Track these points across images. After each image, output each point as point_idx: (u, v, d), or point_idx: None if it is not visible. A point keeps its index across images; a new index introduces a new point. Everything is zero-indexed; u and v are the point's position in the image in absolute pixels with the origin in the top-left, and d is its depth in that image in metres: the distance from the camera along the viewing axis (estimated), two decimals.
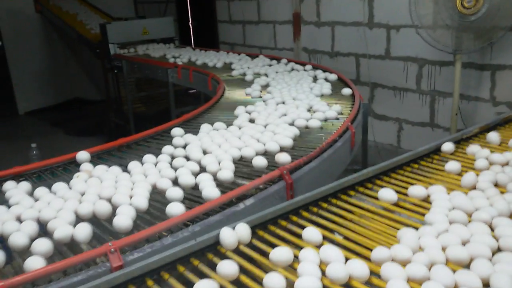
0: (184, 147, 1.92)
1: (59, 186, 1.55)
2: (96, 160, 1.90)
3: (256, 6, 5.74)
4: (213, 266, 1.06)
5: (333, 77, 3.07)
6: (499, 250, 1.05)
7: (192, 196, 1.51)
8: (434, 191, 1.36)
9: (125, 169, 1.73)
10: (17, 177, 1.73)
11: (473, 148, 1.66)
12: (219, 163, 1.67)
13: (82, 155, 1.85)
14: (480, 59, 3.55)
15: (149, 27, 5.37)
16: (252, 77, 3.25)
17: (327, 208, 1.35)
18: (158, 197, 1.52)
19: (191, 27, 7.39)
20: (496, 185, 1.39)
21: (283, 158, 1.70)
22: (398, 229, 1.17)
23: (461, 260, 1.01)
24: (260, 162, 1.69)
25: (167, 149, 1.88)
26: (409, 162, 1.62)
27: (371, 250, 1.07)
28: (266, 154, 1.81)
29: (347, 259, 1.04)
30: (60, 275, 1.09)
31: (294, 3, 5.07)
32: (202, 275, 1.04)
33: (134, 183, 1.55)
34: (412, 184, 1.44)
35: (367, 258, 1.06)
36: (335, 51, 4.80)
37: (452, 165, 1.53)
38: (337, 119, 2.20)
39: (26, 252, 1.20)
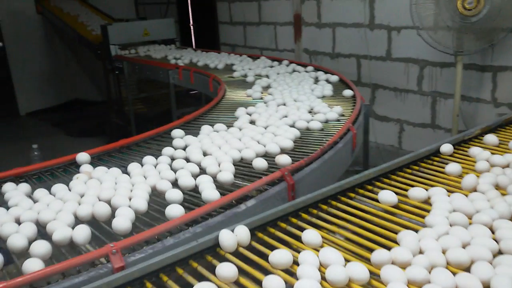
0: (185, 148, 1.92)
1: (58, 187, 1.55)
2: (96, 161, 1.90)
3: (257, 7, 5.74)
4: (212, 268, 1.05)
5: (334, 78, 3.07)
6: (500, 252, 1.05)
7: (192, 198, 1.50)
8: (434, 193, 1.35)
9: (125, 170, 1.72)
10: (17, 179, 1.73)
11: (474, 150, 1.66)
12: (219, 165, 1.67)
13: (82, 156, 1.85)
14: (481, 60, 3.55)
15: (150, 29, 5.37)
16: (253, 79, 3.25)
17: (327, 210, 1.34)
18: (157, 199, 1.52)
19: (192, 28, 7.39)
20: (497, 187, 1.38)
21: (284, 160, 1.70)
22: (398, 231, 1.16)
23: (461, 263, 1.00)
24: (260, 164, 1.68)
25: (167, 150, 1.88)
26: (410, 163, 1.62)
27: (371, 252, 1.06)
28: (266, 155, 1.80)
29: (346, 262, 1.03)
30: (59, 276, 1.09)
31: (295, 5, 5.07)
32: (201, 278, 1.04)
33: (134, 185, 1.55)
34: (412, 186, 1.43)
35: (367, 261, 1.06)
36: (336, 52, 4.79)
37: (453, 167, 1.52)
38: (338, 120, 2.20)
39: (24, 254, 1.20)
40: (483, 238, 1.08)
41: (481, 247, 1.03)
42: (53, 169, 1.84)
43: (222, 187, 1.56)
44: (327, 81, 3.03)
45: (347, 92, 2.66)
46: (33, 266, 1.09)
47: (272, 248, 1.12)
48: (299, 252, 1.08)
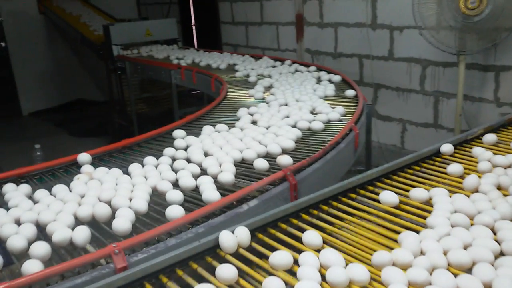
0: (186, 149, 1.91)
1: (59, 188, 1.55)
2: (97, 162, 1.90)
3: (259, 7, 5.74)
4: (212, 270, 1.05)
5: (337, 78, 3.06)
6: (501, 254, 1.04)
7: (193, 198, 1.50)
8: (436, 193, 1.35)
9: (126, 171, 1.72)
10: (18, 179, 1.73)
11: (476, 150, 1.65)
12: (220, 166, 1.66)
13: (84, 157, 1.85)
14: (484, 60, 3.54)
15: (152, 29, 5.37)
16: (255, 79, 3.24)
17: (327, 211, 1.33)
18: (158, 200, 1.51)
19: (194, 28, 7.39)
20: (498, 187, 1.37)
21: (285, 160, 1.69)
22: (399, 232, 1.16)
23: (463, 264, 1.00)
24: (261, 164, 1.68)
25: (168, 151, 1.88)
26: (411, 164, 1.61)
27: (371, 253, 1.06)
28: (268, 156, 1.80)
29: (347, 263, 1.02)
30: (58, 278, 1.08)
31: (297, 4, 5.06)
32: (201, 279, 1.04)
33: (134, 186, 1.55)
34: (413, 186, 1.43)
35: (367, 262, 1.05)
36: (338, 52, 4.79)
37: (454, 168, 1.51)
38: (340, 121, 2.19)
39: (24, 255, 1.19)
40: (485, 239, 1.07)
41: (482, 248, 1.03)
42: (54, 169, 1.84)
43: (223, 188, 1.55)
44: (330, 81, 3.03)
45: (349, 92, 2.66)
46: (32, 267, 1.09)
47: (273, 249, 1.12)
48: (299, 253, 1.08)
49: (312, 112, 2.31)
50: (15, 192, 1.54)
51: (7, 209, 1.42)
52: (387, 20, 4.21)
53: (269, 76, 3.29)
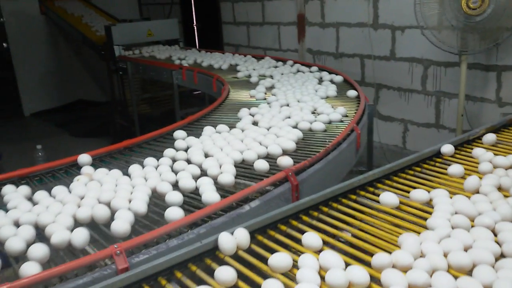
0: (186, 150, 1.91)
1: (59, 189, 1.55)
2: (98, 163, 1.90)
3: (261, 7, 5.73)
4: (211, 272, 1.04)
5: (338, 78, 3.05)
6: (502, 256, 1.03)
7: (192, 200, 1.50)
8: (436, 195, 1.34)
9: (126, 172, 1.72)
10: (19, 180, 1.73)
11: (476, 151, 1.64)
12: (220, 167, 1.66)
13: (84, 158, 1.84)
14: (486, 60, 3.53)
15: (153, 29, 5.37)
16: (257, 79, 3.24)
17: (327, 212, 1.33)
18: (158, 201, 1.51)
19: (195, 28, 7.39)
20: (499, 189, 1.36)
21: (285, 161, 1.69)
22: (399, 234, 1.15)
23: (463, 267, 0.99)
24: (262, 165, 1.67)
25: (168, 152, 1.87)
26: (412, 165, 1.60)
27: (371, 255, 1.05)
28: (268, 157, 1.79)
29: (347, 265, 1.02)
30: (56, 280, 1.08)
31: (299, 4, 5.06)
32: (200, 281, 1.03)
33: (134, 187, 1.54)
34: (414, 187, 1.42)
35: (367, 264, 1.05)
36: (340, 52, 4.78)
37: (455, 169, 1.51)
38: (341, 121, 2.18)
39: (23, 257, 1.19)
40: (485, 241, 1.07)
41: (483, 250, 1.02)
42: (55, 170, 1.84)
43: (223, 189, 1.55)
44: (331, 81, 3.02)
45: (351, 93, 2.65)
46: (30, 269, 1.09)
47: (272, 251, 1.11)
48: (299, 255, 1.07)
49: (313, 113, 2.30)
50: (14, 194, 1.53)
51: (6, 210, 1.42)
52: (389, 20, 4.20)
53: (271, 77, 3.28)
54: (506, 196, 1.30)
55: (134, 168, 1.71)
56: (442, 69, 3.87)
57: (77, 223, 1.35)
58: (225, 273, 1.01)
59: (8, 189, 1.58)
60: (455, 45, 3.25)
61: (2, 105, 7.34)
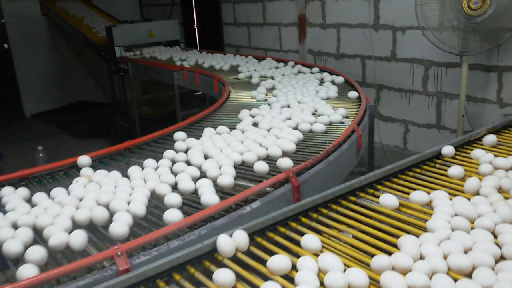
0: (186, 151, 1.90)
1: (58, 191, 1.54)
2: (98, 164, 1.90)
3: (262, 8, 5.73)
4: (209, 274, 1.04)
5: (340, 79, 3.04)
6: (502, 258, 1.03)
7: (192, 202, 1.49)
8: (436, 196, 1.33)
9: (125, 173, 1.71)
10: (18, 182, 1.73)
11: (476, 152, 1.64)
12: (220, 168, 1.65)
13: (83, 159, 1.84)
14: (487, 60, 3.52)
15: (154, 30, 5.37)
16: (258, 80, 3.23)
17: (327, 214, 1.33)
18: (157, 203, 1.50)
19: (196, 29, 7.39)
20: (500, 190, 1.36)
21: (285, 163, 1.68)
22: (399, 236, 1.15)
23: (463, 269, 0.99)
24: (261, 167, 1.67)
25: (168, 153, 1.87)
26: (412, 166, 1.60)
27: (371, 257, 1.05)
28: (268, 158, 1.79)
29: (346, 267, 1.01)
30: (53, 283, 1.08)
31: (300, 5, 5.06)
32: (198, 284, 1.03)
33: (133, 189, 1.54)
34: (414, 189, 1.42)
35: (366, 266, 1.04)
36: (341, 53, 4.77)
37: (455, 170, 1.50)
38: (342, 123, 2.18)
39: (21, 259, 1.19)
40: (485, 243, 1.06)
41: (483, 253, 1.02)
42: (54, 172, 1.84)
43: (222, 191, 1.54)
44: (333, 82, 3.01)
45: (352, 94, 2.64)
46: (27, 272, 1.09)
47: (271, 253, 1.11)
48: (298, 257, 1.07)
49: (314, 114, 2.30)
50: (13, 195, 1.53)
51: (4, 212, 1.41)
52: (389, 21, 4.20)
53: (272, 78, 3.27)
54: (506, 198, 1.30)
55: (133, 170, 1.71)
56: (443, 69, 3.86)
57: (75, 225, 1.35)
58: (224, 275, 1.01)
59: (7, 190, 1.58)
60: (456, 45, 3.24)
61: (3, 106, 7.35)
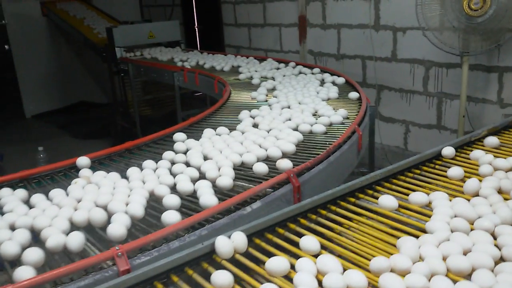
0: (186, 152, 1.90)
1: (56, 192, 1.53)
2: (97, 165, 1.89)
3: (262, 9, 5.73)
4: (208, 276, 1.04)
5: (340, 80, 3.04)
6: (502, 259, 1.02)
7: (190, 203, 1.49)
8: (435, 197, 1.33)
9: (124, 175, 1.71)
10: (17, 183, 1.73)
11: (475, 153, 1.63)
12: (219, 170, 1.65)
13: (82, 160, 1.84)
14: (488, 61, 3.52)
15: (155, 31, 5.36)
16: (259, 81, 3.23)
17: (326, 215, 1.32)
18: (155, 204, 1.50)
19: (196, 30, 7.39)
20: (499, 191, 1.35)
21: (285, 164, 1.68)
22: (398, 237, 1.15)
23: (462, 271, 0.98)
24: (261, 168, 1.67)
25: (167, 154, 1.86)
26: (411, 167, 1.59)
27: (370, 259, 1.04)
28: (268, 160, 1.78)
29: (345, 269, 1.01)
30: (51, 284, 1.08)
31: (300, 6, 5.05)
32: (196, 286, 1.03)
33: (132, 190, 1.53)
34: (413, 190, 1.41)
35: (365, 268, 1.04)
36: (341, 53, 4.77)
37: (455, 171, 1.50)
38: (342, 123, 2.17)
39: (18, 261, 1.19)
40: (485, 244, 1.05)
41: (482, 254, 1.01)
42: (54, 173, 1.83)
43: (221, 192, 1.54)
44: (333, 83, 3.01)
45: (353, 95, 2.63)
46: (24, 274, 1.08)
47: (270, 254, 1.11)
48: (297, 258, 1.07)
49: (314, 115, 2.29)
50: (11, 197, 1.52)
51: (2, 214, 1.41)
52: (390, 21, 4.20)
53: (273, 78, 3.27)
54: (506, 199, 1.29)
55: (132, 171, 1.70)
56: (444, 70, 3.86)
57: (73, 227, 1.34)
58: (222, 277, 1.00)
59: (5, 192, 1.57)
60: (456, 46, 3.24)
61: (4, 106, 7.35)
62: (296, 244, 1.16)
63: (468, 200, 1.29)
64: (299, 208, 1.30)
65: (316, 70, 3.37)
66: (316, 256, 1.08)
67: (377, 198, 1.37)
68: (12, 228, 1.32)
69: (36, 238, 1.29)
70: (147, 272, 1.03)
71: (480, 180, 1.40)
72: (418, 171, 1.58)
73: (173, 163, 1.79)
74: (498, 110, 3.53)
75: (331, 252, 1.13)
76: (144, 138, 2.12)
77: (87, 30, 6.16)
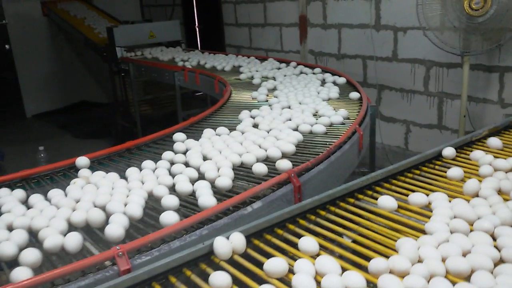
0: (185, 152, 1.89)
1: (54, 192, 1.53)
2: (96, 165, 1.89)
3: (263, 9, 5.72)
4: (206, 277, 1.03)
5: (341, 80, 3.03)
6: (501, 261, 1.02)
7: (189, 204, 1.48)
8: (435, 198, 1.32)
9: (123, 175, 1.70)
10: (16, 183, 1.72)
11: (475, 154, 1.62)
12: (218, 170, 1.64)
13: (82, 160, 1.83)
14: (488, 60, 3.51)
15: (155, 31, 5.36)
16: (259, 81, 3.22)
17: (325, 216, 1.32)
18: (154, 205, 1.50)
19: (197, 30, 7.39)
20: (499, 192, 1.35)
21: (284, 165, 1.67)
22: (397, 238, 1.14)
23: (461, 272, 0.98)
24: (260, 168, 1.66)
25: (167, 155, 1.86)
26: (411, 168, 1.59)
27: (368, 260, 1.04)
28: (267, 160, 1.78)
29: (343, 270, 1.01)
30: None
31: (301, 6, 5.05)
32: (194, 287, 1.02)
33: (130, 190, 1.53)
34: (413, 191, 1.41)
35: (364, 269, 1.03)
36: (342, 53, 4.76)
37: (454, 172, 1.49)
38: (342, 124, 2.17)
39: (15, 261, 1.18)
40: (484, 246, 1.05)
41: (482, 256, 1.01)
42: (53, 173, 1.83)
43: (220, 193, 1.53)
44: (334, 83, 3.00)
45: (354, 95, 2.62)
46: (21, 275, 1.08)
47: (268, 255, 1.10)
48: (295, 260, 1.06)
49: (315, 115, 2.29)
50: (9, 197, 1.52)
51: (0, 214, 1.40)
52: (391, 21, 4.19)
53: (274, 78, 3.26)
54: (506, 200, 1.29)
55: (131, 171, 1.70)
56: (445, 70, 3.85)
57: (71, 227, 1.34)
58: (220, 278, 1.00)
59: (3, 192, 1.57)
60: (457, 46, 3.23)
61: (4, 106, 7.34)
62: (295, 245, 1.16)
63: (468, 201, 1.29)
64: (298, 209, 1.30)
65: (317, 70, 3.36)
66: (314, 257, 1.07)
67: (376, 198, 1.36)
68: (10, 228, 1.32)
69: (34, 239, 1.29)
70: (145, 273, 1.02)
71: (480, 181, 1.39)
72: (417, 172, 1.58)
73: (172, 163, 1.79)
74: (499, 110, 3.52)
75: (330, 253, 1.12)
76: (144, 138, 2.12)
77: (87, 30, 6.16)
